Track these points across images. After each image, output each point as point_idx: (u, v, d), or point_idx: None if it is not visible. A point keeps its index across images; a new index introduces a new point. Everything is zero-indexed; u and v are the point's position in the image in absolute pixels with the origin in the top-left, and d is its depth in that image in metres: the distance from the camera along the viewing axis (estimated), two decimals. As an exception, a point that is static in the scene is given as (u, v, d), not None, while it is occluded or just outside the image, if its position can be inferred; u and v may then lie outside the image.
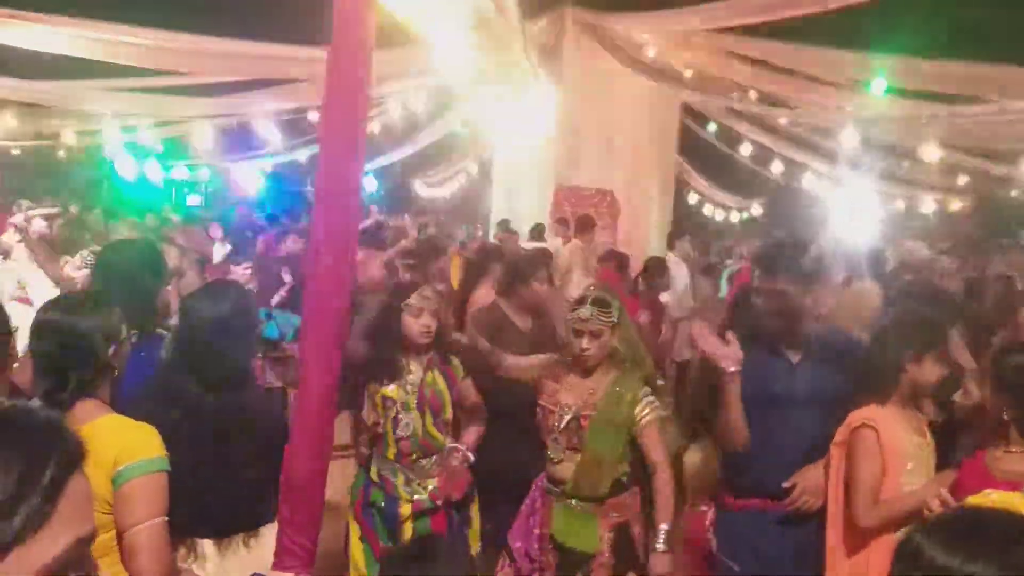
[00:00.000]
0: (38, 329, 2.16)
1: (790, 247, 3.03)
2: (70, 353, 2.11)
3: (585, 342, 2.96)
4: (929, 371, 2.65)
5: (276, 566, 2.38)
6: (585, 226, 8.54)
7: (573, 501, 3.00)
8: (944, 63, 8.35)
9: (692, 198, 21.25)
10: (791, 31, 9.00)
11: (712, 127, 14.15)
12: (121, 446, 2.02)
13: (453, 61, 5.38)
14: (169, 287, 3.54)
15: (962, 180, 13.27)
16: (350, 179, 2.37)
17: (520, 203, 11.47)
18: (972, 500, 1.95)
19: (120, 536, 2.01)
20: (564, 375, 3.10)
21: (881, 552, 2.59)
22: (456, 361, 3.33)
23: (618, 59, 10.04)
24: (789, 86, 9.39)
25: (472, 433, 3.33)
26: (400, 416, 3.18)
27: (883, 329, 2.80)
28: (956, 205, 17.14)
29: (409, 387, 3.21)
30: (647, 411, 2.97)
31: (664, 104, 11.51)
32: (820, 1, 6.58)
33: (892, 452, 2.61)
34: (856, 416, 2.68)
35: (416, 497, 3.19)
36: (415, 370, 3.22)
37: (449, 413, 3.26)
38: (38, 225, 6.45)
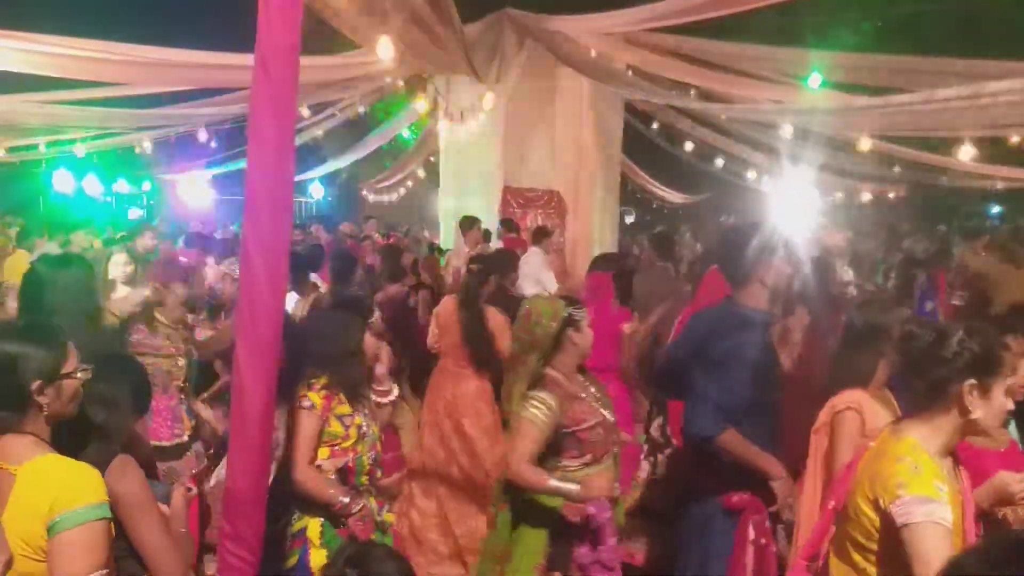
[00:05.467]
0: None
1: None
2: None
3: None
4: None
5: (219, 581, 2.35)
6: (540, 236, 8.81)
7: None
8: (875, 56, 8.56)
9: (638, 195, 21.42)
10: (729, 29, 9.13)
11: (655, 125, 14.27)
12: (57, 492, 1.83)
13: (390, 62, 5.38)
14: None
15: (896, 170, 13.56)
16: (281, 182, 2.34)
17: (467, 205, 11.46)
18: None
19: None
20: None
21: None
22: None
23: (560, 59, 10.06)
24: (728, 83, 9.49)
25: None
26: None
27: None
28: (891, 194, 17.60)
29: (367, 410, 3.19)
30: None
31: (607, 103, 11.58)
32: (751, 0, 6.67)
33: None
34: (840, 400, 2.79)
35: (379, 519, 3.11)
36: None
37: None
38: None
